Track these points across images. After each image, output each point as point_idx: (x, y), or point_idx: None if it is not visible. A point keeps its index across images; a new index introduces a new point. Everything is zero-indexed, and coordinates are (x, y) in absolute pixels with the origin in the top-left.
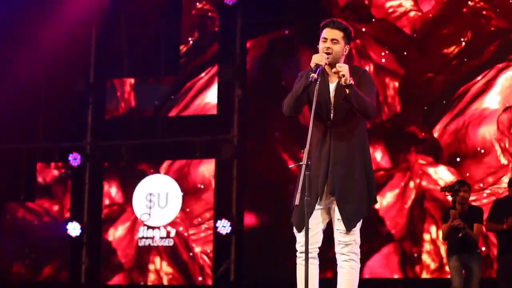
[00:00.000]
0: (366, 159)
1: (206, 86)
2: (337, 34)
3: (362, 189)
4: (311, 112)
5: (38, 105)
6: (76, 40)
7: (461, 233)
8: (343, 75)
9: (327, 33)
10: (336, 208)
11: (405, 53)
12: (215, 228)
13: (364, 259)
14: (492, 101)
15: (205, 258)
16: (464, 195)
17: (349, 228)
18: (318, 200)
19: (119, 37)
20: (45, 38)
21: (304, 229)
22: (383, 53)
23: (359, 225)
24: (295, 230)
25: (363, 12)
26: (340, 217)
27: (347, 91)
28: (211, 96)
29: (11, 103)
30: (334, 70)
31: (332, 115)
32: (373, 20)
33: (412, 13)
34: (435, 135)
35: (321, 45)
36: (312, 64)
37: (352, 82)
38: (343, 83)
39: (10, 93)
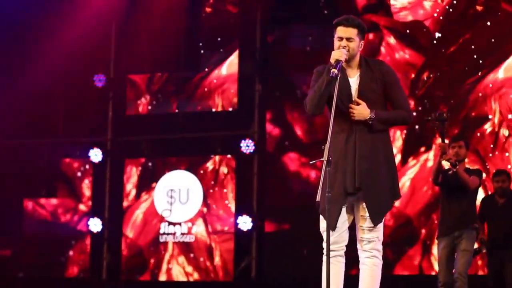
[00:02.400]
0: (389, 153)
1: (227, 81)
2: (352, 32)
3: (386, 184)
4: (330, 108)
5: (59, 100)
6: (96, 35)
7: (452, 171)
8: (360, 118)
9: (342, 31)
10: (360, 205)
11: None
12: (236, 224)
13: None
14: None
15: (226, 254)
16: (458, 151)
17: (375, 223)
18: (319, 198)
19: (139, 32)
20: (65, 33)
21: (334, 227)
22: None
23: (382, 221)
24: (321, 229)
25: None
26: (364, 214)
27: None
28: (231, 91)
29: (33, 99)
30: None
31: (351, 105)
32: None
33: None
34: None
35: (337, 44)
36: (332, 60)
37: (372, 116)
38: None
39: (31, 89)
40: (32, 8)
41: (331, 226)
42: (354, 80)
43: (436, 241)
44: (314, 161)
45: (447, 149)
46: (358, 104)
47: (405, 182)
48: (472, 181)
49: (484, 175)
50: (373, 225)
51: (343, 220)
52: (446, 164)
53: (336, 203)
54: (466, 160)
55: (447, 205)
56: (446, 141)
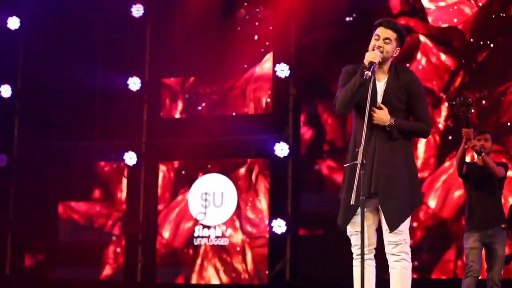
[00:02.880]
0: (410, 159)
1: (261, 84)
2: (391, 34)
3: (406, 190)
4: (358, 110)
5: (95, 104)
6: (132, 38)
7: (478, 158)
8: (379, 123)
9: (381, 31)
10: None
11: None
12: (270, 228)
13: None
14: None
15: (260, 258)
16: (484, 144)
17: (391, 229)
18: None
19: (174, 35)
20: (100, 36)
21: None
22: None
23: (407, 224)
24: (348, 233)
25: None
26: None
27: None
28: (265, 95)
29: (68, 102)
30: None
31: (373, 108)
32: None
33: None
34: None
35: (373, 43)
36: (366, 62)
37: (391, 123)
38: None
39: (66, 92)
40: (66, 12)
41: (342, 226)
42: (381, 85)
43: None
44: (347, 165)
45: (471, 136)
46: (380, 108)
47: (439, 184)
48: (499, 170)
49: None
50: (398, 229)
51: (369, 223)
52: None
53: (352, 206)
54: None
55: (475, 198)
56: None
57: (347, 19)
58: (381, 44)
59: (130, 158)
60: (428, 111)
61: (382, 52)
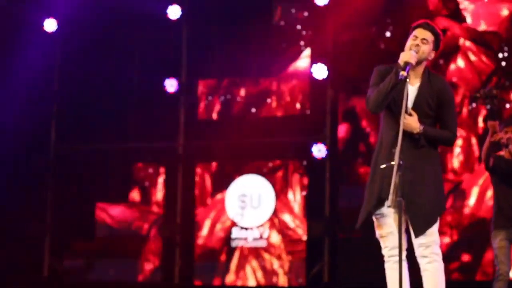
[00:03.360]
0: (436, 164)
1: (298, 85)
2: (429, 36)
3: (431, 197)
4: (388, 111)
5: (131, 105)
6: (168, 40)
7: (505, 151)
8: (407, 130)
9: (419, 32)
10: None
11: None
12: (308, 229)
13: None
14: None
15: (298, 260)
16: None
17: (417, 234)
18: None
19: (211, 36)
20: (137, 38)
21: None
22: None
23: (436, 225)
24: (377, 235)
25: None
26: None
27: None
28: (303, 96)
29: (105, 104)
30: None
31: (403, 114)
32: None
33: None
34: None
35: (410, 42)
36: (401, 62)
37: (420, 131)
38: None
39: (104, 94)
40: (102, 17)
41: (358, 224)
42: (413, 90)
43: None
44: (384, 165)
45: (497, 128)
46: (410, 115)
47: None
48: None
49: None
50: (415, 236)
51: (396, 225)
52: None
53: (369, 207)
54: None
55: (502, 193)
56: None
57: (386, 20)
58: (418, 42)
59: (168, 159)
60: (455, 121)
61: (417, 52)
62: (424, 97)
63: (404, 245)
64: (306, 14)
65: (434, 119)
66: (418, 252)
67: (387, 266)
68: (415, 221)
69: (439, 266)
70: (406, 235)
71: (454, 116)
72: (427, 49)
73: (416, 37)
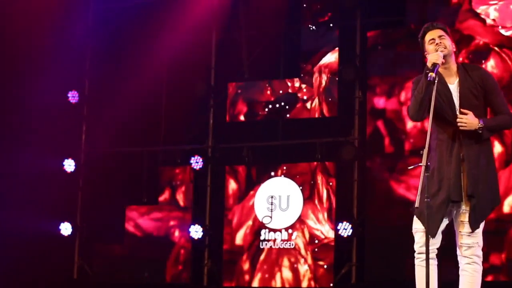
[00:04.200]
0: (491, 159)
1: (327, 87)
2: (440, 32)
3: (489, 191)
4: (438, 117)
5: (160, 108)
6: (197, 43)
7: None
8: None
9: (431, 34)
10: (461, 210)
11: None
12: (336, 230)
13: None
14: None
15: (326, 261)
16: None
17: (474, 228)
18: (417, 205)
19: (239, 39)
20: (166, 42)
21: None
22: None
23: (481, 227)
24: (413, 230)
25: None
26: (464, 220)
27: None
28: (331, 98)
29: (134, 107)
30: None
31: (458, 115)
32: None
33: None
34: None
35: (431, 47)
36: (429, 64)
37: (481, 125)
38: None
39: (132, 98)
40: (133, 19)
41: (432, 234)
42: (454, 87)
43: None
44: (413, 167)
45: None
46: (463, 113)
47: None
48: None
49: None
50: (471, 231)
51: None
52: None
53: (439, 211)
54: None
55: None
56: None
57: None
58: (439, 41)
59: (197, 162)
60: (505, 102)
61: (445, 47)
62: (468, 90)
63: (438, 244)
64: (334, 14)
65: (482, 108)
66: (459, 251)
67: (416, 262)
68: (474, 216)
69: (479, 268)
70: (442, 234)
71: (503, 98)
72: (448, 42)
73: (433, 39)
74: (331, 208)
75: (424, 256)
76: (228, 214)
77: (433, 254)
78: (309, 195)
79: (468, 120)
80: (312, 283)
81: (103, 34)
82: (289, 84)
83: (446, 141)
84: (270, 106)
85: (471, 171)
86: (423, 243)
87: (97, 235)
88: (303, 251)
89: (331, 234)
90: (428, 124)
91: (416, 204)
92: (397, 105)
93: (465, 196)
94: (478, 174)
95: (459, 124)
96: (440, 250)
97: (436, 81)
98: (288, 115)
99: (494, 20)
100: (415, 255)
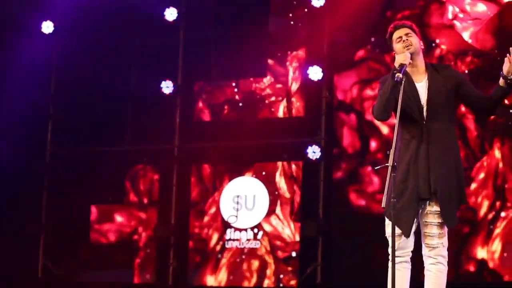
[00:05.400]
0: (458, 157)
1: (294, 87)
2: (408, 30)
3: (456, 189)
4: (396, 113)
5: (127, 107)
6: (164, 42)
7: None
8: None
9: (398, 33)
10: (426, 211)
11: None
12: (302, 230)
13: None
14: None
15: (291, 260)
16: None
17: (450, 227)
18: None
19: (207, 39)
20: (133, 41)
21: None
22: None
23: (446, 228)
24: (387, 234)
25: None
26: (429, 220)
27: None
28: (298, 98)
29: (101, 106)
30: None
31: (425, 114)
32: None
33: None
34: None
35: (399, 45)
36: (396, 64)
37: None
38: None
39: (99, 96)
40: (100, 16)
41: (406, 234)
42: (422, 85)
43: None
44: (379, 167)
45: None
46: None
47: None
48: None
49: None
50: (439, 232)
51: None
52: None
53: (410, 209)
54: None
55: None
56: None
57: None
58: (405, 38)
59: (163, 161)
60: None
61: (411, 45)
62: (437, 89)
63: (411, 247)
64: (301, 15)
65: (450, 108)
66: (425, 251)
67: (390, 265)
68: (446, 214)
69: (443, 269)
70: (414, 236)
71: (475, 88)
72: (415, 40)
73: (400, 37)
74: (297, 208)
75: (398, 259)
76: (193, 213)
77: (407, 257)
78: (275, 195)
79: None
80: (277, 283)
81: (70, 32)
82: (256, 85)
83: (412, 140)
84: (237, 106)
85: (436, 170)
86: (398, 247)
87: (62, 234)
88: (268, 251)
89: (296, 234)
90: (395, 124)
91: (383, 205)
92: (364, 105)
93: (432, 195)
94: (444, 173)
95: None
96: (414, 253)
97: (403, 82)
98: (255, 115)
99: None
100: (389, 258)
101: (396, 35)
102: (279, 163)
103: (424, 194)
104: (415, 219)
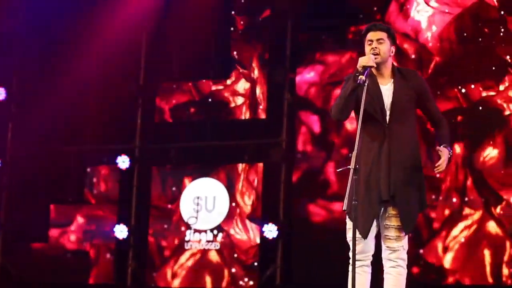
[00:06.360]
0: (419, 161)
1: (256, 89)
2: (382, 35)
3: (416, 193)
4: (358, 115)
5: (88, 107)
6: (127, 43)
7: None
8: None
9: (372, 35)
10: (386, 214)
11: None
12: (262, 232)
13: None
14: None
15: (251, 262)
16: None
17: (407, 231)
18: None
19: (170, 39)
20: (96, 41)
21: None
22: None
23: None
24: (348, 239)
25: None
26: (389, 223)
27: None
28: (260, 99)
29: (62, 106)
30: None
31: (388, 117)
32: None
33: None
34: None
35: (367, 49)
36: (359, 67)
37: (451, 153)
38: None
39: (61, 96)
40: (62, 17)
41: (364, 235)
42: (387, 88)
43: None
44: (341, 169)
45: None
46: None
47: None
48: None
49: None
50: (398, 234)
51: (372, 229)
52: None
53: (370, 210)
54: None
55: None
56: None
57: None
58: (376, 45)
59: (123, 161)
60: (437, 106)
61: (378, 54)
62: (402, 92)
63: (372, 251)
64: (265, 17)
65: (413, 111)
66: (384, 254)
67: (350, 269)
68: (405, 218)
69: (403, 271)
70: (375, 240)
71: (435, 103)
72: (386, 48)
73: (371, 40)
74: (257, 209)
75: (359, 263)
76: (153, 214)
77: (367, 261)
78: (236, 196)
79: (444, 163)
80: (237, 285)
81: (32, 31)
82: (219, 87)
83: (374, 142)
84: (198, 107)
85: (396, 172)
86: (359, 250)
87: (21, 234)
88: (228, 252)
89: (256, 236)
90: (358, 126)
91: (344, 207)
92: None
93: (392, 198)
94: (404, 176)
95: (439, 171)
96: (374, 257)
97: (366, 84)
98: (217, 116)
99: None
100: (350, 262)
101: (369, 36)
102: (240, 165)
103: (384, 196)
104: (375, 221)
